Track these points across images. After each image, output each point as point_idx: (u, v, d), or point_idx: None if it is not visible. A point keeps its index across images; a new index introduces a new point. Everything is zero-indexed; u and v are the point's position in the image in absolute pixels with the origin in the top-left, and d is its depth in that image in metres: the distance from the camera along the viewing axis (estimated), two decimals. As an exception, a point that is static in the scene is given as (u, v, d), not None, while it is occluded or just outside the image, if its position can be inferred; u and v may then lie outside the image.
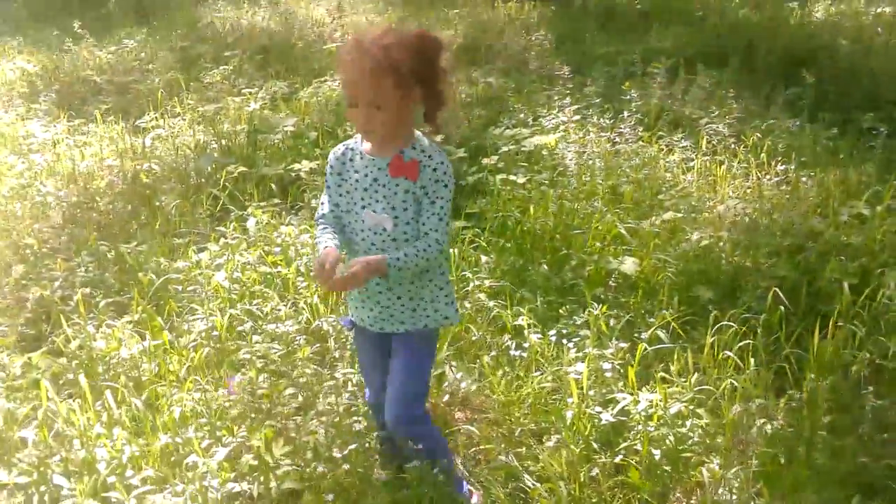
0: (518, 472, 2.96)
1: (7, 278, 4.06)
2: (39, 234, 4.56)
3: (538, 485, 2.87)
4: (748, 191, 4.98)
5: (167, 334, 3.48)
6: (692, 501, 2.86)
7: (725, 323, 3.43)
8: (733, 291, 3.95)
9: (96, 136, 6.45)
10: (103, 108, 7.42)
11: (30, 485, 2.63)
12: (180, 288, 3.95)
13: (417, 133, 2.52)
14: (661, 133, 5.80)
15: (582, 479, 2.88)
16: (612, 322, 3.56)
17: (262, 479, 2.66)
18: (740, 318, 3.57)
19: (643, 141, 5.61)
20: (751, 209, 4.61)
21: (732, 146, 5.52)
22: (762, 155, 5.36)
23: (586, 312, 3.43)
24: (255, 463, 2.70)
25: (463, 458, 3.14)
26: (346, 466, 2.75)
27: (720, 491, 2.78)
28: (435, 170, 2.46)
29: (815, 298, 3.85)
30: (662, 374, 3.18)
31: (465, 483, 2.94)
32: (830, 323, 3.43)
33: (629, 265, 3.88)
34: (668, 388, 3.07)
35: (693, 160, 5.33)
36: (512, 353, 3.43)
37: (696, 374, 3.11)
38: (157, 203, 5.05)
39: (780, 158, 5.36)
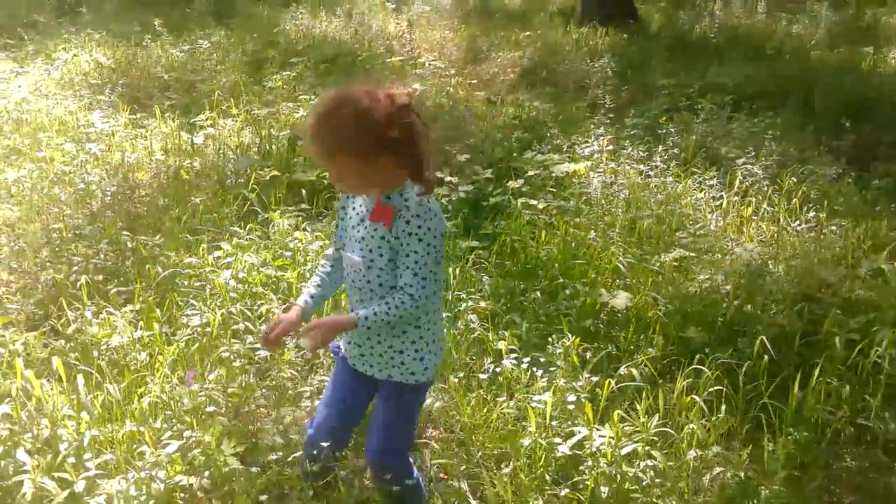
0: (464, 496, 2.98)
1: (30, 260, 4.27)
2: (71, 220, 4.79)
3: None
4: (773, 235, 4.89)
5: (157, 326, 3.61)
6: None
7: (699, 367, 3.38)
8: (730, 337, 3.89)
9: (152, 131, 6.72)
10: (167, 104, 7.75)
11: (-6, 456, 2.79)
12: (186, 283, 4.10)
13: (410, 182, 2.41)
14: (694, 170, 5.73)
15: (529, 509, 2.90)
16: (588, 355, 3.55)
17: (206, 474, 2.75)
18: (724, 365, 3.52)
19: (674, 176, 5.55)
20: (767, 254, 4.53)
21: (766, 188, 5.42)
22: (794, 200, 5.25)
23: (560, 343, 3.43)
24: (203, 458, 2.79)
25: (426, 472, 3.18)
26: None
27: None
28: (408, 222, 2.35)
29: (812, 350, 3.77)
30: (622, 413, 3.16)
31: None
32: (813, 377, 3.35)
33: (621, 300, 3.87)
34: (625, 426, 3.05)
35: (721, 199, 5.26)
36: (481, 376, 3.46)
37: (656, 416, 3.08)
38: (189, 199, 5.23)
39: (812, 205, 5.25)
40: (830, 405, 3.35)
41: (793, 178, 5.49)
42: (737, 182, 5.49)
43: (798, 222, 5.05)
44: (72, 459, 2.84)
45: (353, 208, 2.53)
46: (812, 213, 5.11)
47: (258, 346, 3.58)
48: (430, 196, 2.42)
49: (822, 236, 4.76)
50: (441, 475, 3.24)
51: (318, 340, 2.40)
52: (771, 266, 4.40)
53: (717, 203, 5.27)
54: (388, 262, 2.44)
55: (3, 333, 3.55)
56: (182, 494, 2.77)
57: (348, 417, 2.74)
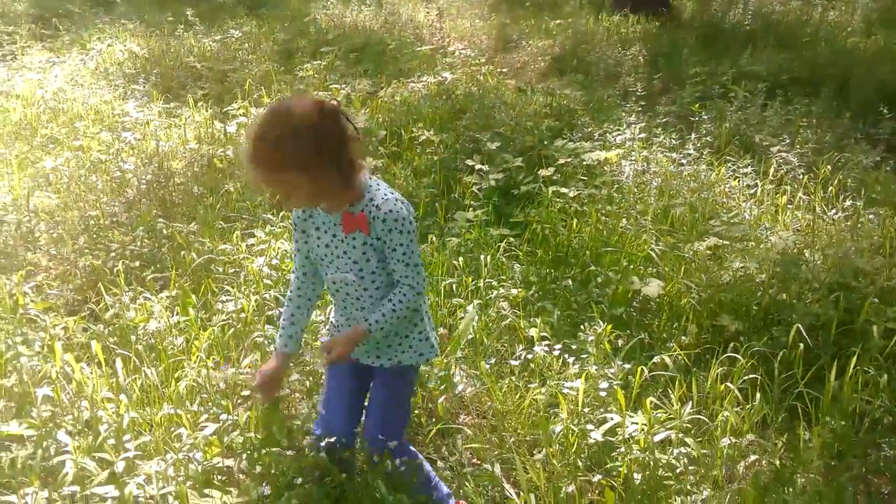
0: (498, 480, 2.99)
1: (68, 247, 4.34)
2: (108, 208, 4.86)
3: (513, 495, 2.90)
4: (809, 223, 4.84)
5: (192, 312, 3.66)
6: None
7: (732, 355, 3.36)
8: (764, 325, 3.86)
9: (186, 120, 6.78)
10: (199, 93, 7.82)
11: (38, 438, 2.84)
12: (221, 269, 4.15)
13: (367, 180, 2.44)
14: (728, 158, 5.68)
15: (561, 495, 2.90)
16: (620, 343, 3.54)
17: (244, 456, 2.78)
18: (758, 354, 3.50)
19: (707, 164, 5.51)
20: (802, 242, 4.49)
21: (801, 177, 5.36)
22: (830, 188, 5.19)
23: (591, 330, 3.43)
24: (241, 440, 2.83)
25: (457, 457, 3.19)
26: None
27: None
28: (384, 220, 2.40)
29: (849, 340, 3.73)
30: (655, 400, 3.15)
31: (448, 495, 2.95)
32: (850, 365, 3.32)
33: (653, 288, 3.85)
34: (658, 413, 3.04)
35: (755, 187, 5.21)
36: (512, 363, 3.46)
37: (689, 404, 3.06)
38: (223, 188, 5.29)
39: (848, 194, 5.19)
40: (867, 394, 3.31)
41: (828, 166, 5.42)
42: (771, 170, 5.43)
43: (834, 211, 4.99)
44: (111, 441, 2.90)
45: (317, 228, 2.51)
46: (849, 202, 5.05)
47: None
48: (383, 185, 2.46)
49: (858, 225, 4.70)
50: (474, 461, 3.26)
51: (336, 356, 2.48)
52: (807, 255, 4.35)
53: (752, 191, 5.22)
54: (377, 264, 2.49)
55: (43, 318, 3.63)
56: (220, 476, 2.81)
57: (355, 419, 2.74)
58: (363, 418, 2.74)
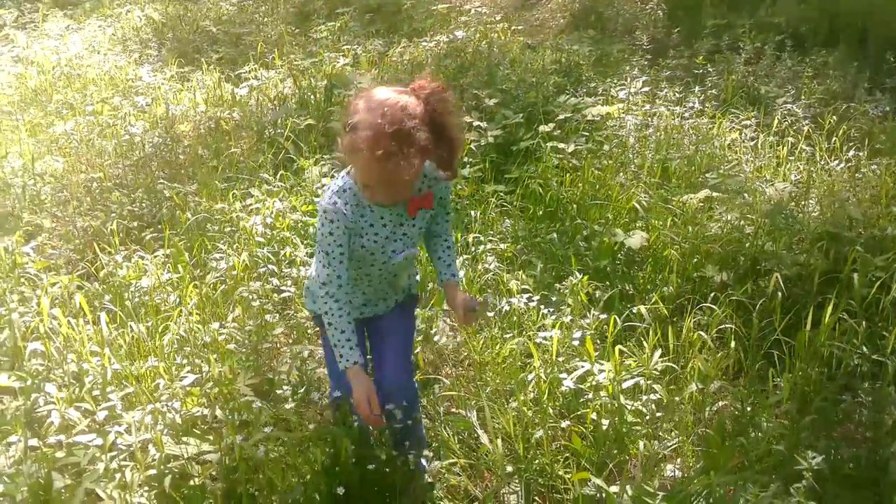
0: (472, 426, 3.06)
1: (70, 208, 4.48)
2: (112, 170, 4.98)
3: (486, 441, 2.96)
4: (811, 174, 4.79)
5: (180, 269, 3.76)
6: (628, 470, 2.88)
7: (710, 305, 3.38)
8: (751, 276, 3.86)
9: (197, 84, 6.86)
10: (214, 57, 7.89)
11: (25, 389, 2.98)
12: (217, 228, 4.24)
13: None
14: (733, 111, 5.62)
15: (531, 441, 2.97)
16: (598, 293, 3.58)
17: (219, 406, 2.89)
18: (740, 304, 3.51)
19: (708, 117, 5.46)
20: (798, 193, 4.46)
21: (805, 128, 5.28)
22: (834, 139, 5.13)
23: (566, 282, 3.46)
24: (217, 390, 2.94)
25: (435, 404, 3.27)
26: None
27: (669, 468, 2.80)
28: (446, 187, 2.59)
29: (833, 289, 3.71)
30: (628, 349, 3.19)
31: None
32: (826, 314, 3.32)
33: (636, 240, 3.86)
34: (628, 361, 3.08)
35: (756, 140, 5.16)
36: (489, 314, 3.52)
37: (659, 352, 3.10)
38: (227, 149, 5.37)
39: (853, 144, 5.11)
40: (847, 342, 3.31)
41: (834, 118, 5.35)
42: (775, 122, 5.37)
43: (837, 162, 4.93)
44: (96, 393, 3.02)
45: (371, 224, 2.49)
46: (852, 153, 4.98)
47: (280, 286, 3.73)
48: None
49: (858, 175, 4.65)
50: (452, 409, 3.33)
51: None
52: (801, 205, 4.33)
53: (752, 143, 5.18)
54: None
55: (41, 276, 3.76)
56: (200, 425, 2.92)
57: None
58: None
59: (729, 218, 4.19)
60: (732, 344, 3.27)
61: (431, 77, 2.42)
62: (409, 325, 2.83)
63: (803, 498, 2.18)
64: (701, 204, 4.35)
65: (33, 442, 2.72)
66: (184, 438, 2.81)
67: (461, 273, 2.61)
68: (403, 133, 2.26)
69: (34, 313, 3.35)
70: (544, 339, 3.24)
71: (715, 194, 4.38)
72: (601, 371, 3.00)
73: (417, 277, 2.85)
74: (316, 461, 2.55)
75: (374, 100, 2.31)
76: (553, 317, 3.40)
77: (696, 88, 5.82)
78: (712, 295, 3.55)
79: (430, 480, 2.82)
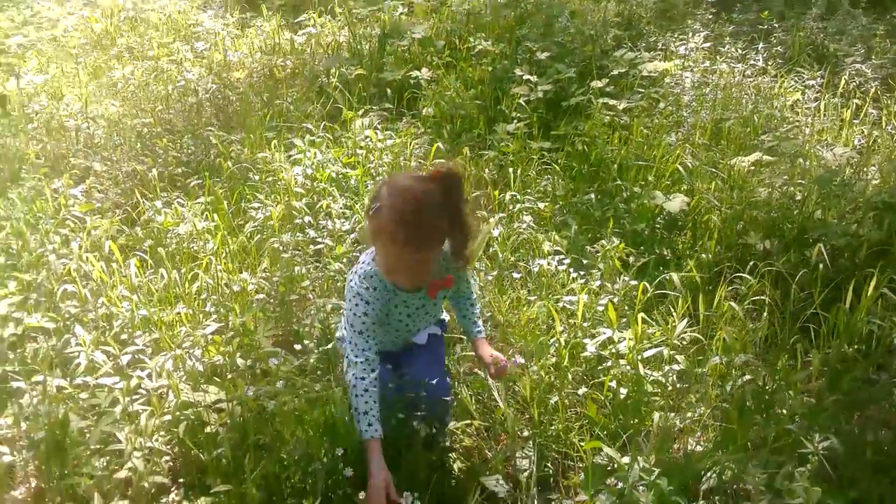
0: (488, 387, 3.04)
1: (117, 153, 4.56)
2: (164, 115, 5.05)
3: (501, 404, 2.94)
4: (872, 139, 4.56)
5: (216, 218, 3.80)
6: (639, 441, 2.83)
7: (743, 275, 3.27)
8: (798, 246, 3.71)
9: (256, 31, 6.89)
10: (276, 3, 7.88)
11: (58, 331, 3.07)
12: (258, 178, 4.27)
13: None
14: (799, 69, 5.38)
15: (548, 406, 2.94)
16: (631, 259, 3.49)
17: (240, 355, 2.93)
18: (780, 274, 3.39)
19: (771, 75, 5.23)
20: (859, 160, 4.25)
21: (873, 90, 5.02)
22: (904, 102, 4.87)
23: (598, 245, 3.38)
24: (238, 339, 2.97)
25: (456, 364, 3.26)
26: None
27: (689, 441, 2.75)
28: (462, 278, 2.71)
29: (886, 263, 3.54)
30: (659, 317, 3.11)
31: None
32: (868, 287, 3.17)
33: (676, 203, 3.74)
34: (651, 331, 3.01)
35: (818, 101, 4.93)
36: (515, 275, 3.47)
37: (685, 321, 3.01)
38: (278, 98, 5.39)
39: (923, 108, 4.86)
40: (889, 318, 3.16)
41: (905, 79, 5.08)
42: (842, 82, 5.11)
43: (904, 126, 4.69)
44: (125, 337, 3.10)
45: (396, 306, 2.61)
46: (921, 118, 4.73)
47: (316, 238, 3.74)
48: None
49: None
50: (475, 370, 3.31)
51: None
52: (863, 173, 4.14)
53: (815, 105, 4.95)
54: None
55: (85, 219, 3.85)
56: (222, 374, 2.97)
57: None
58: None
59: (777, 183, 4.03)
60: (765, 315, 3.16)
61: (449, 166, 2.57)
62: (439, 344, 2.87)
63: (808, 482, 2.10)
64: (752, 168, 4.19)
65: (60, 381, 2.80)
66: (203, 386, 2.86)
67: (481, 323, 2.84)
68: (424, 220, 2.36)
69: (75, 256, 3.42)
70: (569, 303, 3.18)
71: (768, 158, 4.21)
72: (622, 340, 2.93)
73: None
74: (320, 422, 2.57)
75: (396, 186, 2.43)
76: (582, 280, 3.34)
77: (761, 45, 5.56)
78: (751, 264, 3.42)
79: (446, 444, 2.83)
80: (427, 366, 2.71)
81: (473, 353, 2.90)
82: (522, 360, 2.99)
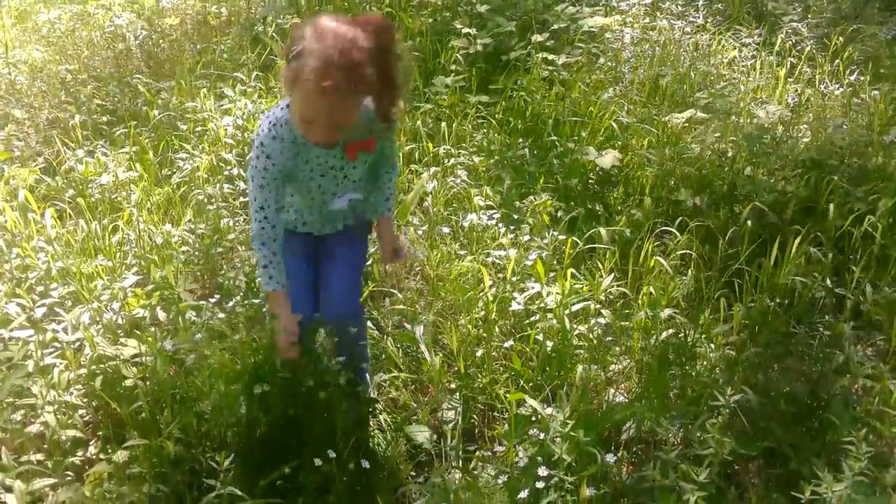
0: (416, 341, 3.02)
1: (40, 99, 4.40)
2: (90, 62, 4.88)
3: (428, 357, 2.93)
4: (804, 97, 4.60)
5: (138, 166, 3.70)
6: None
7: (670, 229, 3.29)
8: (727, 202, 3.74)
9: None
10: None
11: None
12: (186, 127, 4.16)
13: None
14: (737, 27, 5.39)
15: (475, 359, 2.94)
16: (560, 214, 3.49)
17: (158, 307, 2.87)
18: (708, 230, 3.42)
19: (709, 32, 5.24)
20: (789, 117, 4.29)
21: (808, 48, 5.06)
22: (838, 62, 4.91)
23: (528, 201, 3.37)
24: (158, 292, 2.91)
25: (385, 318, 3.23)
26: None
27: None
28: (383, 130, 2.39)
29: (810, 219, 3.60)
30: (585, 272, 3.12)
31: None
32: (792, 243, 3.21)
33: (607, 159, 3.74)
34: (578, 285, 3.02)
35: (754, 59, 4.96)
36: (444, 230, 3.44)
37: (611, 276, 3.02)
38: (212, 46, 5.23)
39: (857, 68, 4.90)
40: (812, 273, 3.22)
41: (841, 39, 5.11)
42: (778, 41, 5.14)
43: (837, 85, 4.74)
44: (41, 289, 3.01)
45: (307, 161, 2.37)
46: (854, 76, 4.78)
47: (245, 190, 3.66)
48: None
49: (856, 100, 4.46)
50: (405, 324, 3.30)
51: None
52: (794, 130, 4.18)
53: (752, 63, 4.97)
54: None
55: (2, 168, 3.72)
56: (141, 326, 2.90)
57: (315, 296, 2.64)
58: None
59: (709, 140, 4.05)
60: (690, 271, 3.19)
61: (381, 14, 2.28)
62: (360, 248, 2.69)
63: (719, 432, 2.13)
64: (686, 125, 4.20)
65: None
66: (122, 340, 2.80)
67: (391, 202, 2.55)
68: (353, 66, 2.10)
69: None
70: (497, 258, 3.18)
71: (702, 115, 4.22)
72: (549, 294, 2.94)
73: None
74: (243, 371, 2.52)
75: (323, 28, 2.14)
76: (512, 236, 3.32)
77: (701, 2, 5.56)
78: (679, 220, 3.45)
79: (372, 395, 2.81)
80: (339, 292, 2.54)
81: (375, 233, 2.69)
82: (422, 256, 2.88)
